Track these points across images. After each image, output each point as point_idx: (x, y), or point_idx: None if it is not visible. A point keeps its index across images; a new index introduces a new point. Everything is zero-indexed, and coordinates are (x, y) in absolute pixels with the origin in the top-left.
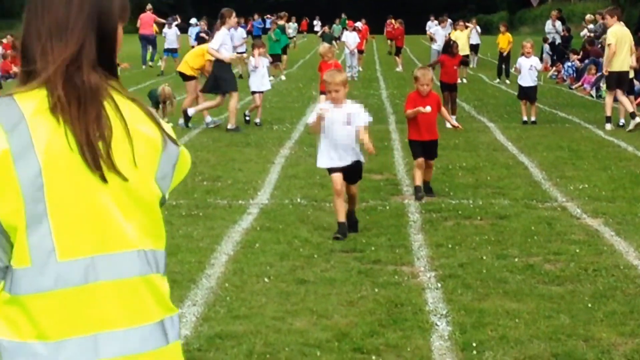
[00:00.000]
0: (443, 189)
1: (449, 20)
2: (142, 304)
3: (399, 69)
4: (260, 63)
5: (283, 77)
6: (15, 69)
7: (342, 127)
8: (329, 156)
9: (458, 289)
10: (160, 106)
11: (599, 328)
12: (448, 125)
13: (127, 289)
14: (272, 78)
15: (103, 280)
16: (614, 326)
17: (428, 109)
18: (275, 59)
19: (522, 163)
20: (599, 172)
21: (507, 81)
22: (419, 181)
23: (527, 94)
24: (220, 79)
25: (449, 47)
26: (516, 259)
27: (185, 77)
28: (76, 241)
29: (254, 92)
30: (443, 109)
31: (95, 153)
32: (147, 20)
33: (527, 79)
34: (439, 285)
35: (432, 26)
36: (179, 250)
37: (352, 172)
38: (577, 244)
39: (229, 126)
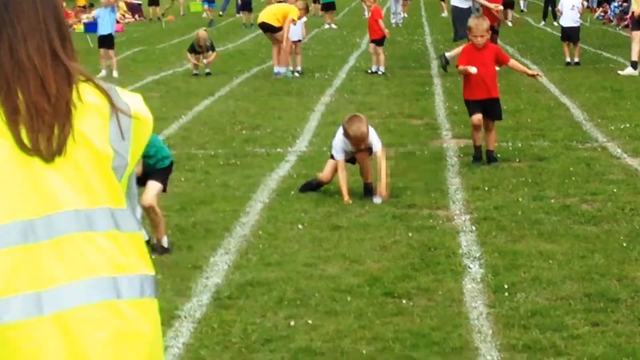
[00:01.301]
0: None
1: None
2: (85, 260)
3: (445, 14)
4: None
5: (334, 26)
6: None
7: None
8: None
9: (492, 232)
10: (197, 52)
11: (633, 267)
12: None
13: (67, 247)
14: (327, 26)
15: (42, 240)
16: None
17: (473, 69)
18: (328, 7)
19: (564, 104)
20: None
21: (555, 23)
22: (478, 141)
23: (569, 35)
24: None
25: None
26: (552, 200)
27: (273, 29)
28: (14, 204)
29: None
30: (512, 61)
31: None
32: None
33: (568, 20)
34: (474, 228)
35: None
36: (215, 199)
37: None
38: (615, 183)
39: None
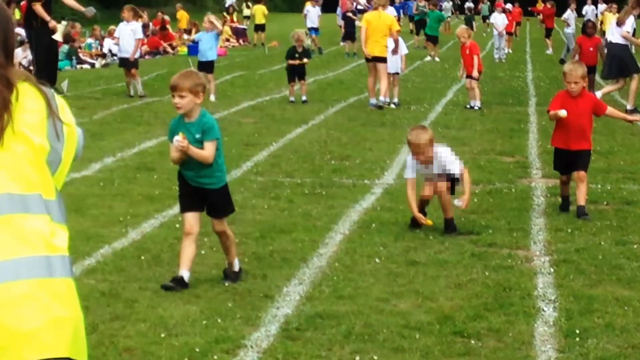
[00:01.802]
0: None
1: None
2: (20, 239)
3: (549, 51)
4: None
5: (437, 59)
6: (165, 44)
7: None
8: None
9: (570, 275)
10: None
11: None
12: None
13: (2, 226)
14: (429, 58)
15: None
16: None
17: (563, 112)
18: (433, 40)
19: None
20: None
21: None
22: (565, 192)
23: None
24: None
25: (585, 27)
26: (635, 246)
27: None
28: None
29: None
30: (610, 109)
31: None
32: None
33: None
34: (552, 270)
35: (589, 11)
36: (295, 229)
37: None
38: None
39: (629, 107)
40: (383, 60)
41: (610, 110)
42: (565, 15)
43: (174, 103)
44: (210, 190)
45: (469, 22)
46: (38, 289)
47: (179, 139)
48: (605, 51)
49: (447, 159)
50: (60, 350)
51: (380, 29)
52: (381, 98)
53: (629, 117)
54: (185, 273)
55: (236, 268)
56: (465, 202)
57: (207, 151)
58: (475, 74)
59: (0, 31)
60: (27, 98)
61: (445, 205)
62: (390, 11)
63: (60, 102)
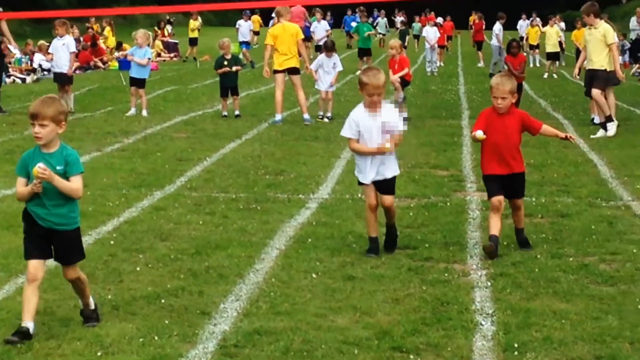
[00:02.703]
0: None
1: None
2: None
3: (481, 64)
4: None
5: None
6: (95, 59)
7: (379, 137)
8: (365, 172)
9: (507, 288)
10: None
11: None
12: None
13: None
14: (359, 72)
15: None
16: None
17: (479, 134)
18: (365, 53)
19: (591, 161)
20: None
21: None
22: (494, 229)
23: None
24: None
25: (510, 47)
26: (571, 259)
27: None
28: None
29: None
30: (544, 127)
31: None
32: (297, 13)
33: None
34: (489, 283)
35: (524, 25)
36: (231, 245)
37: (387, 184)
38: (636, 243)
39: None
40: (297, 71)
41: (544, 128)
42: (495, 29)
43: (34, 133)
44: (61, 232)
45: (402, 37)
46: None
47: (42, 167)
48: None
49: (395, 116)
50: None
51: (287, 40)
52: (305, 116)
53: (562, 134)
54: (30, 324)
55: (92, 306)
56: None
57: (76, 184)
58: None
59: None
60: None
61: (388, 213)
62: (324, 25)
63: None
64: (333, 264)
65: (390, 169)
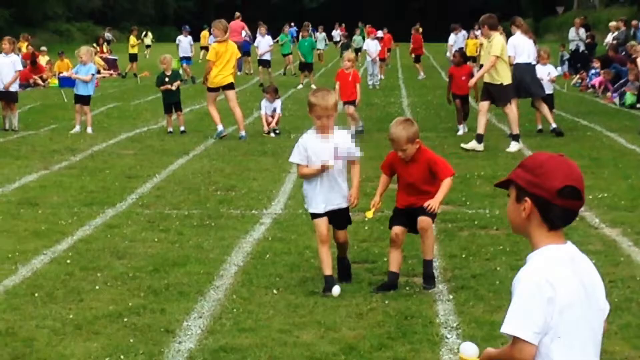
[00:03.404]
0: (460, 198)
1: (463, 31)
2: None
3: (421, 76)
4: None
5: (313, 86)
6: (35, 77)
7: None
8: (315, 201)
9: (470, 301)
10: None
11: (612, 341)
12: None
13: None
14: (301, 86)
15: None
16: (628, 339)
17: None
18: (306, 67)
19: None
20: (619, 181)
21: None
22: (393, 265)
23: (545, 101)
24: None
25: (453, 57)
26: None
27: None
28: None
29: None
30: (445, 182)
31: None
32: (236, 28)
33: (544, 86)
34: (451, 297)
35: (460, 36)
36: (188, 262)
37: (339, 217)
38: (593, 254)
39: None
40: (232, 86)
41: (445, 182)
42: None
43: None
44: None
45: (345, 50)
46: None
47: None
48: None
49: (347, 141)
50: None
51: (228, 58)
52: (241, 133)
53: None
54: None
55: None
56: (353, 196)
57: None
58: (357, 100)
59: None
60: None
61: (340, 246)
62: (267, 40)
63: None
64: (293, 280)
65: (341, 195)
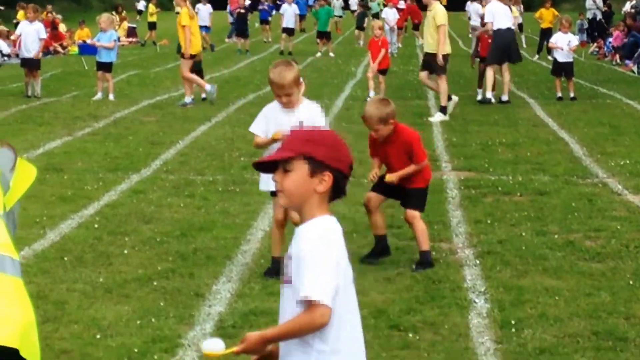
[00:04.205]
0: (482, 165)
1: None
2: None
3: (420, 42)
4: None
5: (332, 54)
6: (55, 44)
7: None
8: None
9: (497, 266)
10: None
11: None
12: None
13: None
14: (319, 54)
15: None
16: None
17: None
18: (325, 36)
19: (563, 139)
20: None
21: (549, 57)
22: (375, 229)
23: (565, 69)
24: None
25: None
26: (556, 236)
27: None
28: None
29: None
30: (420, 165)
31: None
32: None
33: (563, 55)
34: (478, 262)
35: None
36: (215, 226)
37: None
38: (618, 220)
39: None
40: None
41: (419, 166)
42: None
43: None
44: None
45: (361, 19)
46: None
47: None
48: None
49: (314, 112)
50: (9, 340)
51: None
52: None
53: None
54: None
55: None
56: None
57: None
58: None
59: None
60: None
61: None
62: (294, 9)
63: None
64: None
65: None
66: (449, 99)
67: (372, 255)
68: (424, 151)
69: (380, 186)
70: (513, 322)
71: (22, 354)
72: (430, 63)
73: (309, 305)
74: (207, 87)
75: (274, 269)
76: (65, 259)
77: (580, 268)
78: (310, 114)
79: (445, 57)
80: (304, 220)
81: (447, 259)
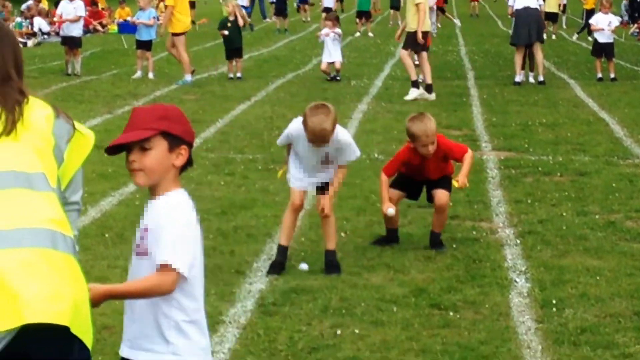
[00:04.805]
0: (522, 145)
1: None
2: (22, 212)
3: (457, 21)
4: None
5: (371, 34)
6: (94, 23)
7: (317, 165)
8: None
9: (537, 246)
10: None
11: None
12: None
13: (5, 200)
14: (358, 34)
15: None
16: None
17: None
18: (364, 15)
19: (603, 120)
20: None
21: (589, 38)
22: (390, 223)
23: (605, 50)
24: None
25: None
26: (597, 216)
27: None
28: None
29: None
30: (467, 156)
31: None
32: None
33: (604, 35)
34: (518, 241)
35: None
36: (255, 205)
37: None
38: None
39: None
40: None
41: (467, 156)
42: None
43: None
44: None
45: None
46: (39, 257)
47: None
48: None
49: (347, 140)
50: (59, 318)
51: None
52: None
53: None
54: None
55: None
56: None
57: None
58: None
59: (10, 52)
60: (37, 104)
61: (328, 231)
62: None
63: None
64: (359, 223)
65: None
66: (416, 86)
67: (380, 241)
68: (455, 142)
69: (403, 184)
70: (554, 301)
71: (73, 331)
72: (412, 42)
73: (164, 269)
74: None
75: (281, 262)
76: (106, 235)
77: (621, 248)
78: (341, 144)
79: (425, 34)
80: (158, 195)
81: (488, 238)
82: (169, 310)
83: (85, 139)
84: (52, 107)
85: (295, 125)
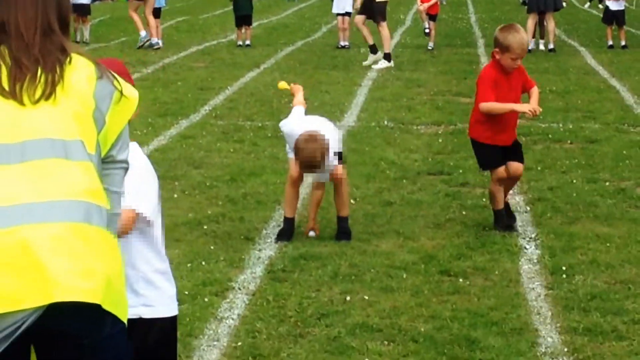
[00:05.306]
0: None
1: None
2: (58, 183)
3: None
4: None
5: None
6: None
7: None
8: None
9: (547, 213)
10: None
11: None
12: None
13: (40, 170)
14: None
15: (14, 163)
16: None
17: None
18: None
19: (614, 87)
20: None
21: (600, 5)
22: (501, 204)
23: (616, 17)
24: None
25: None
26: (607, 183)
27: None
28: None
29: (337, 15)
30: (536, 88)
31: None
32: None
33: (615, 3)
34: (528, 208)
35: None
36: (264, 172)
37: None
38: None
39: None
40: None
41: (536, 89)
42: None
43: None
44: None
45: None
46: (71, 232)
47: None
48: None
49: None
50: (90, 296)
51: None
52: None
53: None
54: None
55: None
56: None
57: None
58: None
59: (56, 4)
60: (79, 63)
61: (341, 198)
62: None
63: (115, 75)
64: (369, 190)
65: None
66: (375, 52)
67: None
68: None
69: (499, 157)
70: (564, 268)
71: (105, 307)
72: (369, 8)
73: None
74: (142, 33)
75: (288, 231)
76: None
77: (631, 215)
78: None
79: (380, 3)
80: None
81: None
82: (136, 262)
83: (129, 102)
84: (95, 65)
85: (288, 131)
